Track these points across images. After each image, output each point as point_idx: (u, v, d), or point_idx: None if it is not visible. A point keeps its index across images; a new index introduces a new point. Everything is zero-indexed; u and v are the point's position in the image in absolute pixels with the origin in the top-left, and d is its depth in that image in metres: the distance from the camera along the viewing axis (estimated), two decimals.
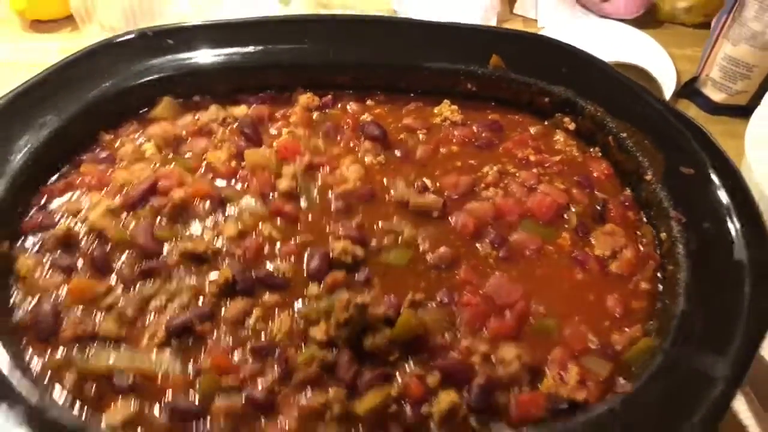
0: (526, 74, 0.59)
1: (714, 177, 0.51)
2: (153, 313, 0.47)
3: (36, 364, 0.44)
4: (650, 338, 0.46)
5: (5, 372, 0.41)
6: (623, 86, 0.57)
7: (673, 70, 0.83)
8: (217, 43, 0.59)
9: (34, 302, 0.47)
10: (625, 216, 0.54)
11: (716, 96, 0.83)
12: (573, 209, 0.54)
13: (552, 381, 0.44)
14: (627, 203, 0.55)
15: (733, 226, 0.48)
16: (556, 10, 0.93)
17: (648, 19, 0.95)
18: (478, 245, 0.52)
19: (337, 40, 0.60)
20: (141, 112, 0.58)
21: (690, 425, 0.40)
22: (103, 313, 0.46)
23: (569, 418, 0.43)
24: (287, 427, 0.42)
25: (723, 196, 0.50)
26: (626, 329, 0.48)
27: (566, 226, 0.53)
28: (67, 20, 0.93)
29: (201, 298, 0.48)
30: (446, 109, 0.60)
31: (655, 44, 0.87)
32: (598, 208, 0.54)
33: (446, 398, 0.43)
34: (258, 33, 0.59)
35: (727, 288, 0.46)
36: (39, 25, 0.93)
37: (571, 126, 0.59)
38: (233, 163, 0.55)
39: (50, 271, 0.48)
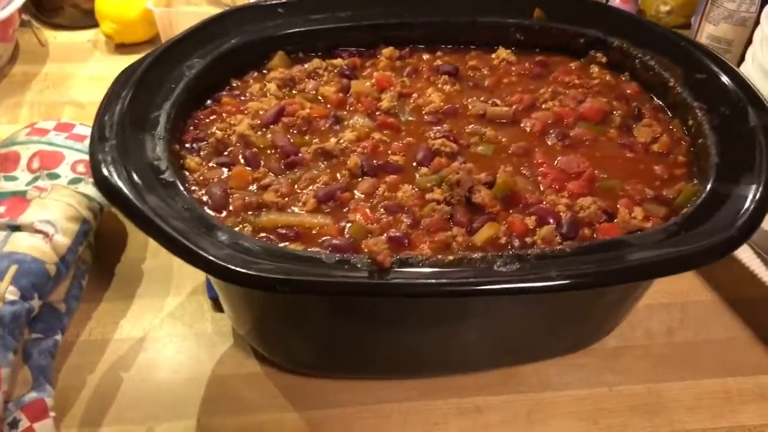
0: (563, 22, 0.74)
1: (723, 77, 0.65)
2: (301, 189, 0.58)
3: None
4: (693, 184, 0.59)
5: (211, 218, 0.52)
6: (642, 24, 0.73)
7: None
8: (316, 11, 0.73)
9: (206, 185, 0.58)
10: (657, 116, 0.68)
11: None
12: (615, 114, 0.68)
13: (624, 215, 0.56)
14: (656, 108, 0.69)
15: (742, 105, 0.62)
16: None
17: None
18: (546, 139, 0.65)
19: (409, 4, 0.74)
20: (260, 64, 0.71)
21: (732, 231, 0.52)
22: (262, 191, 0.58)
23: None
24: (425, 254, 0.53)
25: (731, 87, 0.64)
26: (674, 186, 0.60)
27: (612, 124, 0.67)
28: (148, 43, 1.08)
29: (337, 179, 0.59)
30: (503, 53, 0.74)
31: None
32: (635, 113, 0.68)
33: (546, 230, 0.55)
34: (347, 1, 0.74)
35: (746, 144, 0.59)
36: (124, 48, 1.08)
37: (603, 59, 0.73)
38: (341, 95, 0.69)
39: (213, 165, 0.60)
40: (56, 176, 0.71)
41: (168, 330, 0.70)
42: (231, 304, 0.62)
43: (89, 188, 0.71)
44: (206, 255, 0.47)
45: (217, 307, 0.72)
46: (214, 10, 0.93)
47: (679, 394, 0.66)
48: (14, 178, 0.71)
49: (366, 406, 0.64)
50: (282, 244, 0.53)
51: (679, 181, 0.61)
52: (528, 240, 0.55)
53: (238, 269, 0.46)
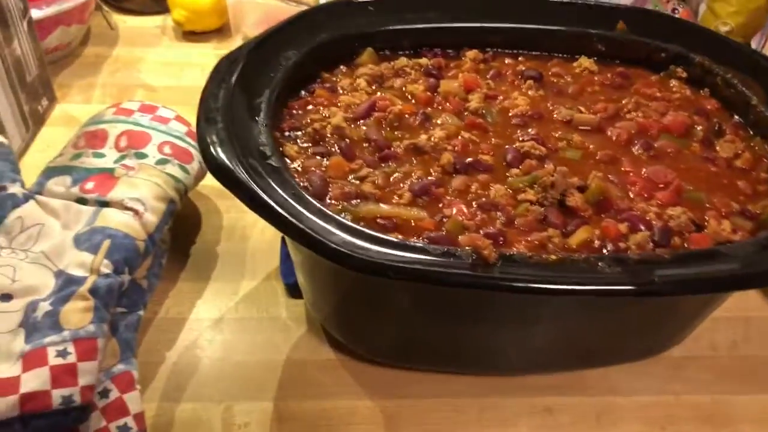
0: (645, 36, 0.76)
1: None
2: (396, 183, 0.60)
3: None
4: None
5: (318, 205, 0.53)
6: (724, 42, 0.74)
7: None
8: (404, 10, 0.75)
9: (305, 172, 0.59)
10: (738, 133, 0.69)
11: None
12: (697, 128, 0.69)
13: (714, 226, 0.58)
14: (737, 126, 0.70)
15: None
16: None
17: None
18: (631, 149, 0.66)
19: (496, 9, 0.76)
20: (350, 58, 0.73)
21: None
22: (357, 182, 0.59)
23: None
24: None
25: None
26: (759, 202, 0.62)
27: (695, 138, 0.68)
28: (216, 32, 1.10)
29: (429, 175, 0.61)
30: (585, 62, 0.76)
31: None
32: (717, 128, 0.69)
33: (639, 236, 0.56)
34: (433, 2, 0.76)
35: None
36: (192, 35, 1.10)
37: (683, 74, 0.75)
38: (428, 94, 0.70)
39: (311, 156, 0.62)
40: (143, 156, 0.72)
41: (243, 313, 0.72)
42: (314, 288, 0.64)
43: (175, 169, 0.72)
44: (323, 239, 0.49)
45: (292, 293, 0.73)
46: (287, 3, 0.95)
47: (744, 406, 0.67)
48: (102, 155, 0.72)
49: (441, 399, 0.65)
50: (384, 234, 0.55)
51: (762, 198, 0.62)
52: (621, 245, 0.56)
53: (354, 254, 0.48)
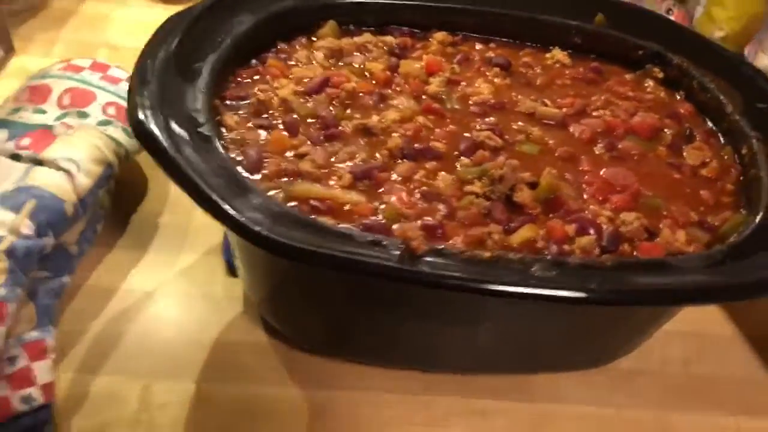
0: (623, 32, 0.72)
1: None
2: (338, 163, 0.56)
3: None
4: (741, 213, 0.57)
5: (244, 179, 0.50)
6: (705, 44, 0.70)
7: None
8: None
9: (242, 144, 0.56)
10: (708, 140, 0.66)
11: None
12: (666, 131, 0.66)
13: (667, 235, 0.54)
14: (709, 133, 0.67)
15: None
16: None
17: None
18: (594, 148, 0.63)
19: None
20: (309, 30, 0.69)
21: None
22: (298, 159, 0.56)
23: None
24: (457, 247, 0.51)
25: None
26: (719, 214, 0.58)
27: (662, 142, 0.65)
28: None
29: (375, 158, 0.57)
30: (558, 54, 0.72)
31: None
32: (687, 134, 0.66)
33: (584, 240, 0.53)
34: None
35: None
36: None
37: (660, 75, 0.71)
38: (388, 73, 0.66)
39: (251, 128, 0.58)
40: (86, 115, 0.69)
41: (177, 288, 0.69)
42: (249, 269, 0.60)
43: (118, 132, 0.69)
44: (236, 215, 0.45)
45: (231, 271, 0.70)
46: None
47: (688, 426, 0.64)
48: (43, 111, 0.69)
49: (372, 392, 0.62)
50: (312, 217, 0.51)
51: (724, 210, 0.59)
52: (566, 248, 0.53)
53: (267, 234, 0.45)
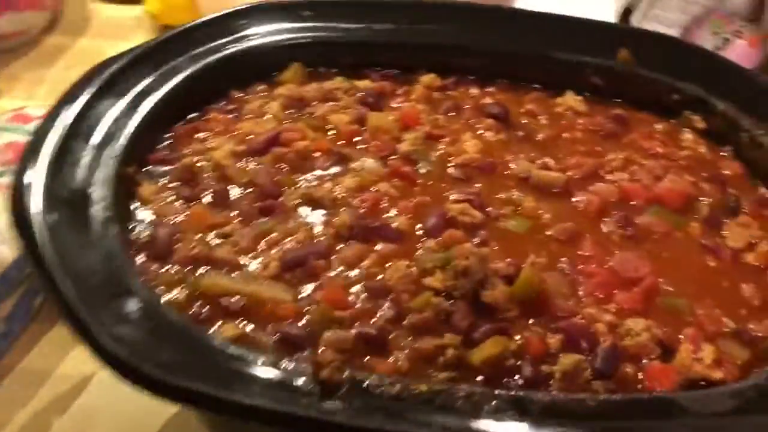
0: (654, 70, 0.58)
1: None
2: (267, 247, 0.46)
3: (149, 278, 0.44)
4: None
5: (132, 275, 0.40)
6: (758, 84, 0.56)
7: None
8: (349, 19, 0.60)
9: (152, 223, 0.47)
10: (760, 213, 0.51)
11: None
12: (703, 201, 0.52)
13: (685, 355, 0.41)
14: (762, 202, 0.52)
15: None
16: None
17: (765, 73, 0.93)
18: (602, 224, 0.49)
19: (466, 25, 0.60)
20: (270, 75, 0.59)
21: None
22: (218, 241, 0.46)
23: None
24: (397, 367, 0.40)
25: None
26: (766, 320, 0.44)
27: (696, 216, 0.51)
28: None
29: (316, 239, 0.47)
30: (571, 100, 0.59)
31: None
32: (731, 204, 0.51)
33: (570, 359, 0.40)
34: (390, 13, 0.61)
35: None
36: (168, 30, 0.98)
37: (701, 124, 0.57)
38: (355, 127, 0.55)
39: (170, 199, 0.49)
40: None
41: None
42: None
43: None
44: (94, 330, 0.36)
45: None
46: None
47: None
48: None
49: None
50: (218, 325, 0.41)
51: None
52: (545, 369, 0.40)
53: (125, 359, 0.35)
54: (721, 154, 0.56)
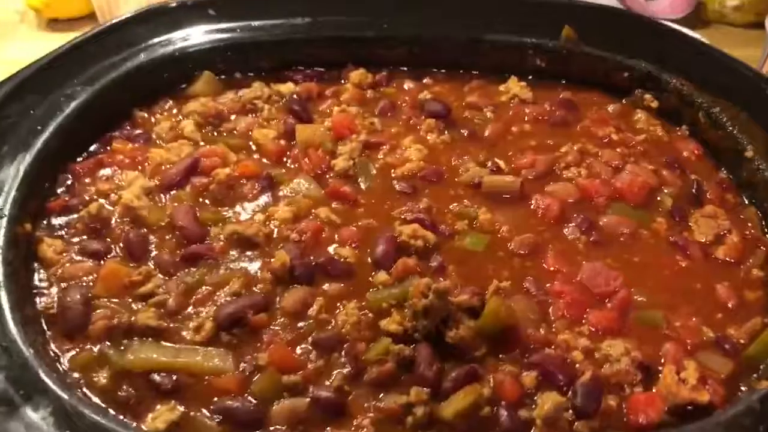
0: (601, 48, 0.54)
1: None
2: (198, 304, 0.40)
3: (63, 361, 0.37)
4: None
5: (36, 369, 0.34)
6: (712, 58, 0.52)
7: None
8: (261, 15, 0.53)
9: (60, 291, 0.40)
10: (724, 198, 0.48)
11: None
12: (666, 191, 0.48)
13: (669, 380, 0.38)
14: (724, 185, 0.49)
15: None
16: None
17: (695, 20, 0.90)
18: (564, 230, 0.45)
19: (391, 11, 0.54)
20: (178, 88, 0.52)
21: None
22: (139, 304, 0.40)
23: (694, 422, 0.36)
24: None
25: None
26: (744, 322, 0.41)
27: (660, 209, 0.47)
28: (87, 19, 0.88)
29: (253, 287, 0.41)
30: (514, 86, 0.54)
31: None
32: (693, 190, 0.48)
33: (549, 400, 0.36)
34: (306, 4, 0.54)
35: None
36: (56, 24, 0.88)
37: (654, 103, 0.53)
38: (282, 142, 0.50)
39: (79, 256, 0.42)
40: None
41: None
42: None
43: None
44: None
45: None
46: None
47: None
48: None
49: None
50: (152, 417, 0.35)
51: (752, 313, 0.42)
52: (523, 415, 0.36)
53: None
54: (678, 133, 0.52)
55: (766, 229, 0.46)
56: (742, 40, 0.87)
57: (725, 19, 0.91)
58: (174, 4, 0.53)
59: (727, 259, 0.44)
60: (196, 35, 0.52)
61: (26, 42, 0.86)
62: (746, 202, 0.48)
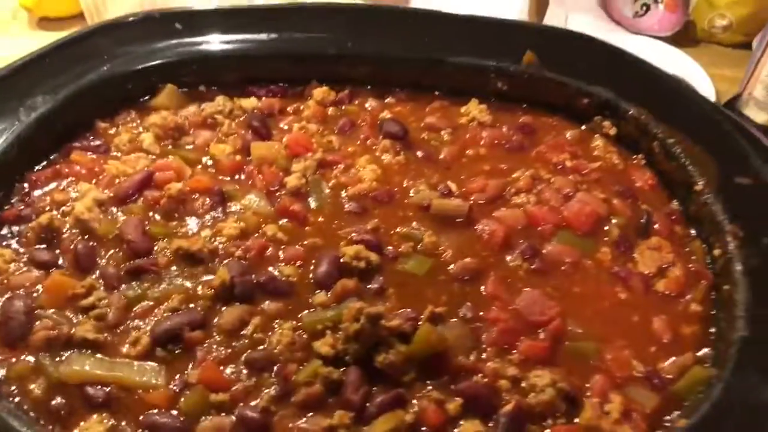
0: (562, 73, 0.54)
1: None
2: (137, 318, 0.41)
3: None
4: (704, 367, 0.40)
5: None
6: (671, 88, 0.52)
7: (712, 89, 0.77)
8: (228, 30, 0.54)
9: (4, 300, 0.41)
10: (672, 230, 0.48)
11: (759, 116, 0.77)
12: (614, 221, 0.48)
13: (591, 412, 0.38)
14: (674, 216, 0.49)
15: None
16: (586, 25, 0.87)
17: (684, 38, 0.90)
18: (507, 256, 0.46)
19: (356, 30, 0.55)
20: (141, 100, 0.53)
21: None
22: (81, 316, 0.41)
23: None
24: None
25: None
26: (676, 357, 0.42)
27: (606, 239, 0.48)
28: (77, 18, 0.89)
29: (193, 303, 0.42)
30: (474, 108, 0.55)
31: (692, 62, 0.81)
32: (642, 221, 0.48)
33: (471, 428, 0.37)
34: (272, 21, 0.55)
35: None
36: (47, 23, 0.89)
37: (612, 131, 0.54)
38: (238, 158, 0.50)
39: (27, 266, 0.43)
40: None
41: None
42: None
43: None
44: None
45: None
46: None
47: None
48: None
49: None
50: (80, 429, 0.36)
51: (685, 350, 0.42)
52: None
53: None
54: (634, 162, 0.53)
55: (709, 264, 0.46)
56: (730, 60, 0.87)
57: (714, 38, 0.91)
58: (140, 17, 0.53)
59: (667, 292, 0.45)
60: (161, 48, 0.53)
61: (17, 39, 0.88)
62: (694, 234, 0.48)
